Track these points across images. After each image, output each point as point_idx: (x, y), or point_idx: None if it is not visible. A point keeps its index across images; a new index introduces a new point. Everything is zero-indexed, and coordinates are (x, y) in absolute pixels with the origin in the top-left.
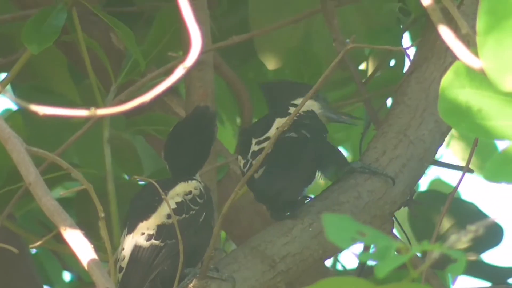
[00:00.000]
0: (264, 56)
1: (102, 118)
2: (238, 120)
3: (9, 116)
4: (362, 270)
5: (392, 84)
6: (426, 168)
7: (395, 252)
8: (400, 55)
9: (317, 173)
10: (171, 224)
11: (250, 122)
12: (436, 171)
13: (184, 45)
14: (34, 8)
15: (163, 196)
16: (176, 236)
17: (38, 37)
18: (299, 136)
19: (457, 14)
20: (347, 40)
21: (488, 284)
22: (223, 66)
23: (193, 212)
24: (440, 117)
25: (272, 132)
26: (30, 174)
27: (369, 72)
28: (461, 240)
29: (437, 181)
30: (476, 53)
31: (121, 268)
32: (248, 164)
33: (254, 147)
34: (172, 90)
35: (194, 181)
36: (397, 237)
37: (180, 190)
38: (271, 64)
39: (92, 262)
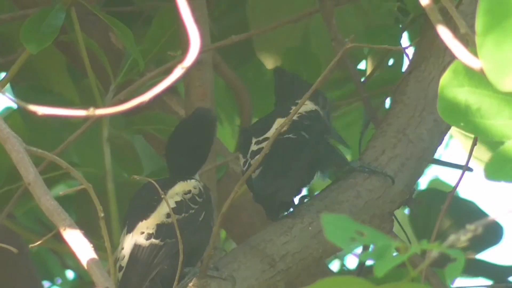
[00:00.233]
0: (263, 55)
1: (101, 117)
2: (237, 120)
3: (8, 115)
4: (362, 269)
5: (391, 84)
6: (426, 167)
7: (395, 252)
8: (399, 54)
9: (316, 174)
10: (171, 223)
11: (250, 121)
12: (434, 170)
13: (183, 45)
14: (32, 8)
15: (162, 196)
16: (176, 235)
17: (36, 37)
18: (298, 137)
19: (456, 14)
20: (346, 40)
21: (489, 282)
22: (222, 65)
23: (193, 211)
24: (439, 116)
25: (271, 132)
26: (30, 174)
27: (368, 72)
28: (460, 239)
29: (436, 181)
30: (474, 52)
31: (121, 267)
32: (247, 163)
33: (253, 147)
34: (171, 89)
35: (193, 180)
36: (396, 236)
37: (179, 189)
38: (269, 63)
39: (91, 261)
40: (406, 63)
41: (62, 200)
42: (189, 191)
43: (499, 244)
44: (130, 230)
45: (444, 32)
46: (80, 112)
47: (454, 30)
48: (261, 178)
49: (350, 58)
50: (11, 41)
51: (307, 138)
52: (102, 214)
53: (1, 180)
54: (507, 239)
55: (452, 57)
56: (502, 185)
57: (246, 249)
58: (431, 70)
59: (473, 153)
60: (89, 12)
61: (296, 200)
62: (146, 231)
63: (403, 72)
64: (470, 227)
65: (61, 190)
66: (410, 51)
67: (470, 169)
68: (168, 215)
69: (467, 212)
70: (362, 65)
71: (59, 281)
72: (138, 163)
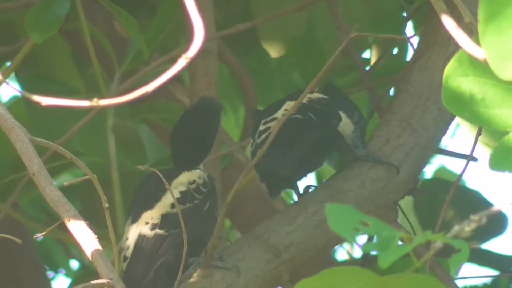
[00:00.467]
0: (268, 44)
1: (105, 107)
2: (242, 109)
3: (13, 103)
4: (367, 258)
5: (395, 72)
6: (430, 156)
7: (399, 242)
8: (404, 43)
9: (324, 160)
10: (176, 214)
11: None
12: (441, 159)
13: (188, 33)
14: None
15: (167, 186)
16: (180, 226)
17: (41, 26)
18: (304, 117)
19: (460, 3)
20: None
21: (494, 272)
22: (227, 53)
23: (197, 201)
24: (444, 106)
25: (280, 113)
26: (34, 164)
27: (373, 61)
28: (465, 230)
29: (442, 170)
30: (479, 42)
31: (125, 258)
32: (254, 144)
33: (261, 127)
34: (176, 78)
35: (198, 170)
36: (401, 226)
37: (184, 179)
38: (274, 52)
39: (96, 252)
40: (410, 52)
41: (67, 189)
42: (194, 181)
43: (504, 234)
44: (134, 220)
45: (448, 22)
46: (84, 103)
47: (459, 19)
48: (264, 156)
49: (355, 47)
50: (15, 29)
51: (314, 119)
52: (107, 205)
53: (6, 170)
54: None
55: (457, 46)
56: (508, 175)
57: (250, 239)
58: (436, 59)
59: (482, 139)
60: (93, 1)
61: (301, 188)
62: (151, 222)
63: (407, 61)
64: (474, 217)
65: (66, 178)
66: (415, 40)
67: (475, 159)
68: (172, 205)
69: (472, 202)
70: (366, 54)
71: (63, 271)
72: (143, 152)
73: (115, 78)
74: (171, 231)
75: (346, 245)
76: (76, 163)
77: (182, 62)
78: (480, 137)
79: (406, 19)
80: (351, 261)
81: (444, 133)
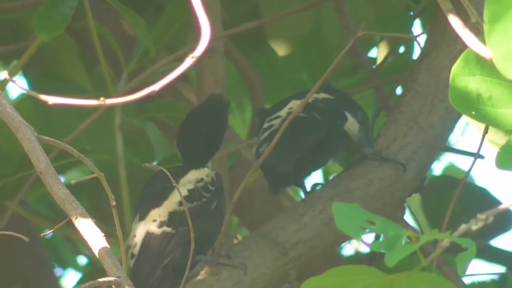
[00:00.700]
0: (275, 42)
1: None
2: (249, 107)
3: (21, 100)
4: (374, 256)
5: (402, 71)
6: (437, 155)
7: (406, 240)
8: (410, 42)
9: (328, 159)
10: (183, 212)
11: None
12: (449, 157)
13: (194, 32)
14: None
15: (174, 184)
16: (188, 224)
17: (48, 25)
18: (308, 116)
19: (467, 2)
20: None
21: (501, 269)
22: (235, 52)
23: (205, 199)
24: (451, 104)
25: (284, 111)
26: (41, 163)
27: (379, 59)
28: (471, 229)
29: (450, 167)
30: (484, 41)
31: (132, 255)
32: (258, 142)
33: (265, 125)
34: (183, 77)
35: (205, 169)
36: (408, 224)
37: (192, 177)
38: (281, 50)
39: (103, 250)
40: (417, 51)
41: (74, 187)
42: (202, 179)
43: (511, 231)
44: (142, 217)
45: (455, 21)
46: (91, 102)
47: (466, 18)
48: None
49: (362, 45)
50: (23, 28)
51: (318, 118)
52: (114, 203)
53: (13, 168)
54: None
55: (464, 45)
56: None
57: (257, 237)
58: (442, 58)
59: (489, 137)
60: (101, 0)
61: (308, 186)
62: (158, 219)
63: (414, 60)
64: (481, 216)
65: (73, 175)
66: (422, 39)
67: (482, 157)
68: (180, 203)
69: (480, 199)
70: (373, 53)
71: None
72: (150, 150)
73: (122, 77)
74: (178, 229)
75: (353, 242)
76: (84, 161)
77: (189, 61)
78: (487, 135)
79: (413, 18)
80: (358, 257)
81: (451, 131)
